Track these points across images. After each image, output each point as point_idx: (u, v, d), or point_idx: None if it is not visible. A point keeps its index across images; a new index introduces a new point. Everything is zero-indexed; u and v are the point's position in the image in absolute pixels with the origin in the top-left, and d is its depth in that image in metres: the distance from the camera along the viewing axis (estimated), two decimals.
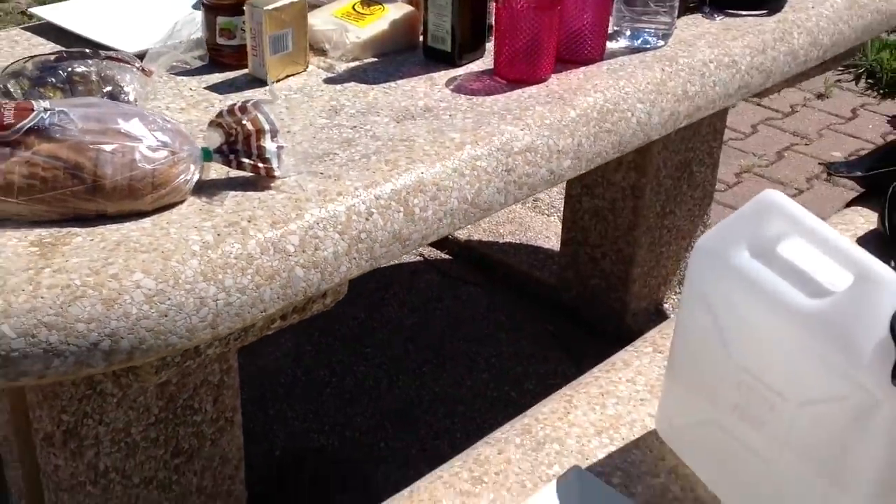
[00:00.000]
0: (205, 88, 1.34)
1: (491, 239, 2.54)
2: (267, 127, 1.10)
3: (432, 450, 1.96)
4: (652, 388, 1.38)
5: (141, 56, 1.27)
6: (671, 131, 1.49)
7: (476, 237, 2.54)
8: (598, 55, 1.49)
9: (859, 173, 1.91)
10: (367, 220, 1.12)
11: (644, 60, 1.50)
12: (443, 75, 1.43)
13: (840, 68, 3.81)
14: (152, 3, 1.57)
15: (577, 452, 1.26)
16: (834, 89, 3.69)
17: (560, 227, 2.56)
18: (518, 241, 2.55)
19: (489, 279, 2.44)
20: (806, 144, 3.29)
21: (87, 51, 1.20)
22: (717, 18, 1.66)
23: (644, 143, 1.46)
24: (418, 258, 2.52)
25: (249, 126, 1.09)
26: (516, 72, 1.41)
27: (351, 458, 1.93)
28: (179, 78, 1.35)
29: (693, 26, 1.62)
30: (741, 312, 1.12)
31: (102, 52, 1.21)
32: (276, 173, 1.12)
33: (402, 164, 1.19)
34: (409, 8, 1.51)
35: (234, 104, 1.11)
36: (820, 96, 3.64)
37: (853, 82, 3.74)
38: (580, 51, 1.47)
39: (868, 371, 0.98)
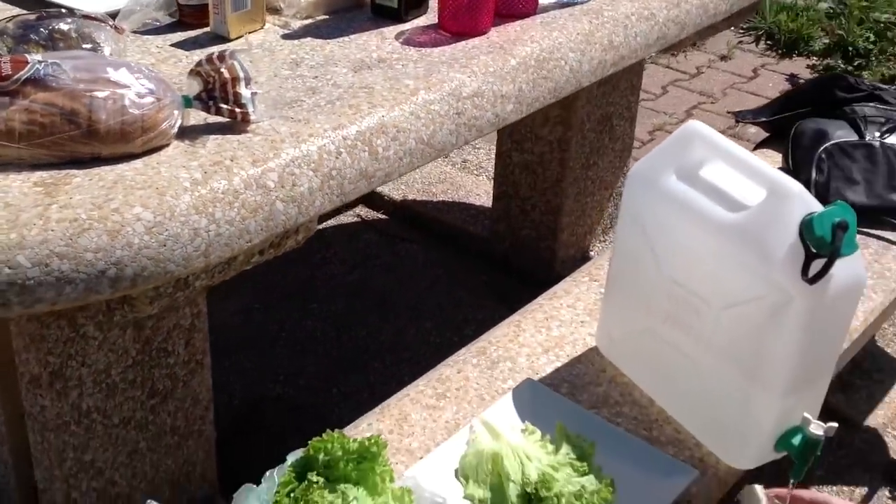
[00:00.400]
0: (170, 45, 1.42)
1: (424, 198, 2.66)
2: (242, 74, 1.20)
3: (382, 393, 2.08)
4: (590, 311, 1.52)
5: (113, 16, 1.35)
6: (599, 78, 1.63)
7: (410, 197, 2.66)
8: (531, 9, 1.62)
9: (764, 119, 2.10)
10: (336, 158, 1.23)
11: (573, 14, 1.63)
12: (391, 30, 1.54)
13: (741, 30, 4.04)
14: None
15: (527, 369, 1.40)
16: (736, 51, 3.90)
17: (489, 185, 2.70)
18: (450, 199, 2.67)
19: (425, 236, 2.57)
20: (712, 103, 3.49)
21: (64, 10, 1.27)
22: None
23: (576, 90, 1.59)
24: (356, 219, 2.63)
25: (226, 74, 1.19)
26: (459, 25, 1.53)
27: (306, 404, 2.03)
28: (146, 37, 1.43)
29: None
30: (670, 230, 1.27)
31: (78, 11, 1.29)
32: (252, 118, 1.22)
33: (364, 108, 1.30)
34: None
35: (212, 53, 1.20)
36: (723, 58, 3.85)
37: (753, 44, 3.96)
38: (515, 6, 1.60)
39: (781, 271, 1.14)
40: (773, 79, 3.68)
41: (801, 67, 3.78)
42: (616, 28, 1.64)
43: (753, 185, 1.21)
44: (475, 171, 2.87)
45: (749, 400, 1.23)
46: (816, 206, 1.14)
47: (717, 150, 1.25)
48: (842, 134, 1.89)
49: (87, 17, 1.28)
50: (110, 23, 1.31)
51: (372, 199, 2.65)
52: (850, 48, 3.80)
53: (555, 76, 1.52)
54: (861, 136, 1.89)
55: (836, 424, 1.20)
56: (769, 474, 1.28)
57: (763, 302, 1.17)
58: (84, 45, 1.23)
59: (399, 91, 1.35)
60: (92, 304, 1.20)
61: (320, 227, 2.53)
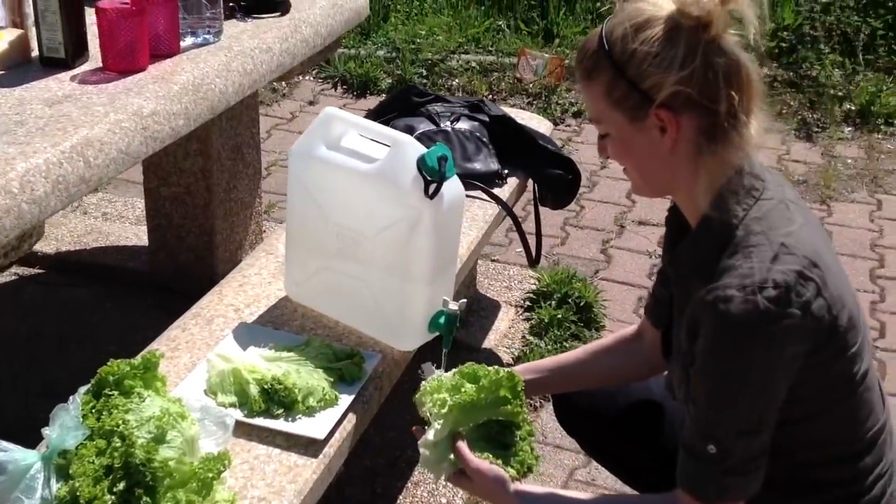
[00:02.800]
0: None
1: (78, 248, 2.88)
2: None
3: None
4: (274, 274, 1.93)
5: None
6: (241, 98, 2.05)
7: (64, 249, 2.86)
8: (176, 50, 1.99)
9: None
10: (60, 167, 1.52)
11: (210, 51, 2.04)
12: (64, 75, 1.83)
13: (320, 80, 4.65)
14: None
15: (237, 319, 1.77)
16: (320, 97, 4.50)
17: (134, 229, 2.99)
18: (103, 245, 2.91)
19: (88, 280, 2.78)
20: None
21: None
22: (249, 21, 2.25)
23: (226, 108, 1.99)
24: (14, 277, 2.77)
25: None
26: (122, 65, 1.86)
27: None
28: None
29: (234, 26, 2.19)
30: (328, 187, 1.72)
31: None
32: None
33: (70, 129, 1.60)
34: (19, 31, 1.88)
35: None
36: (311, 103, 4.43)
37: (333, 89, 4.59)
38: (163, 47, 1.96)
39: (411, 196, 1.63)
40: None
41: (375, 103, 4.45)
42: (245, 59, 2.06)
43: (381, 146, 1.69)
44: (118, 220, 3.12)
45: (405, 295, 1.70)
46: (424, 149, 1.65)
47: (351, 125, 1.73)
48: (424, 126, 2.47)
49: None
50: None
51: (28, 259, 2.80)
52: (409, 82, 4.56)
53: (209, 97, 1.91)
54: (437, 125, 2.48)
55: (465, 300, 1.72)
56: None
57: (402, 221, 1.66)
58: None
59: (94, 115, 1.67)
60: None
61: None
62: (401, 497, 2.14)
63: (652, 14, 1.27)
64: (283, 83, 4.51)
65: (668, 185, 1.40)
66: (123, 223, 3.10)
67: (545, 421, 2.43)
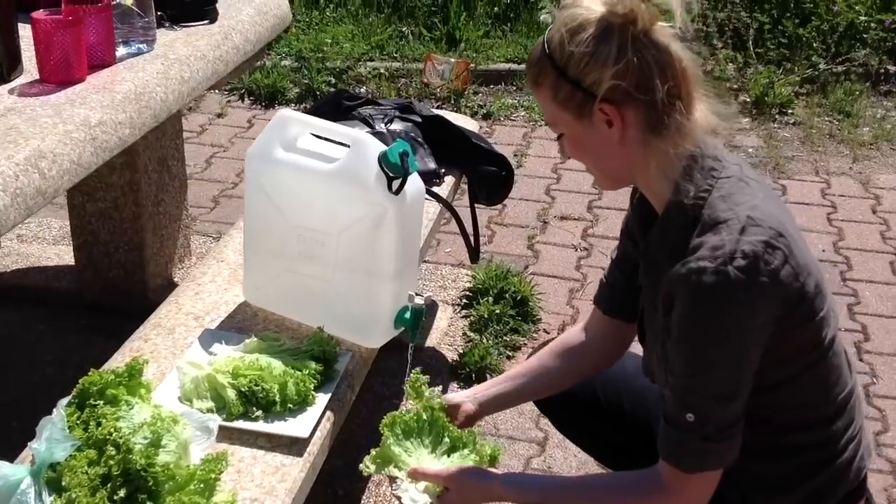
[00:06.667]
0: None
1: None
2: None
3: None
4: (229, 280, 1.91)
5: None
6: (182, 105, 2.02)
7: None
8: (112, 60, 1.95)
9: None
10: (16, 180, 1.48)
11: (146, 59, 2.00)
12: (2, 89, 1.78)
13: (225, 91, 4.59)
14: None
15: (199, 327, 1.75)
16: (228, 108, 4.45)
17: (54, 249, 2.90)
18: (24, 267, 2.82)
19: (13, 303, 2.69)
20: (224, 150, 3.99)
21: None
22: (178, 29, 2.22)
23: (169, 115, 1.96)
24: None
25: None
26: (60, 76, 1.82)
27: None
28: None
29: (164, 35, 2.15)
30: (287, 189, 1.72)
31: None
32: None
33: (21, 142, 1.56)
34: None
35: None
36: (219, 115, 4.37)
37: (240, 101, 4.54)
38: (98, 57, 1.92)
39: (375, 192, 1.64)
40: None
41: None
42: (182, 67, 2.03)
43: (338, 146, 1.70)
44: (35, 241, 3.02)
45: (371, 292, 1.71)
46: (384, 147, 1.66)
47: (306, 125, 1.73)
48: (359, 129, 2.48)
49: None
50: None
51: None
52: (318, 91, 4.55)
53: (152, 105, 1.88)
54: (372, 127, 2.49)
55: (431, 294, 1.74)
56: None
57: (367, 219, 1.67)
58: None
59: (42, 126, 1.62)
60: None
61: None
62: (364, 497, 2.15)
63: (584, 17, 1.34)
64: None
65: (625, 176, 1.45)
66: (42, 244, 3.00)
67: (496, 414, 2.46)
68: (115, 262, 2.64)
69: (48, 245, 2.99)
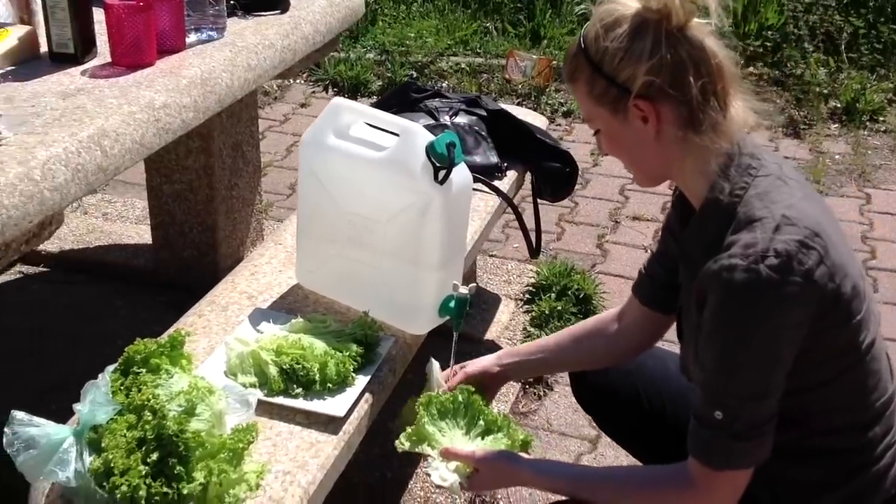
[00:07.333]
0: None
1: (82, 247, 2.90)
2: None
3: None
4: (284, 263, 1.96)
5: None
6: (247, 92, 2.09)
7: (67, 248, 2.88)
8: (182, 46, 2.03)
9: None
10: (78, 156, 1.56)
11: (215, 46, 2.07)
12: (74, 70, 1.86)
13: (311, 82, 4.69)
14: None
15: (251, 306, 1.81)
16: (312, 99, 4.54)
17: (135, 228, 3.02)
18: (106, 244, 2.94)
19: (94, 278, 2.81)
20: None
21: None
22: (249, 18, 2.29)
23: (234, 102, 2.03)
24: (19, 275, 2.79)
25: None
26: (130, 60, 1.90)
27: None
28: None
29: (236, 24, 2.22)
30: (338, 175, 1.76)
31: None
32: (2, 134, 1.50)
33: (86, 120, 1.64)
34: (27, 27, 1.91)
35: None
36: (303, 105, 4.47)
37: (324, 92, 4.63)
38: (169, 43, 2.00)
39: (422, 182, 1.67)
40: None
41: (366, 104, 4.50)
42: (250, 55, 2.10)
43: (387, 133, 1.73)
44: (119, 220, 3.15)
45: (416, 280, 1.74)
46: (432, 137, 1.69)
47: (359, 113, 1.77)
48: (424, 121, 2.51)
49: None
50: None
51: (29, 257, 2.83)
52: (400, 84, 4.61)
53: (217, 90, 1.95)
54: (437, 120, 2.52)
55: (475, 284, 1.76)
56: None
57: (413, 207, 1.69)
58: None
59: (107, 107, 1.70)
60: None
61: None
62: (411, 482, 2.18)
63: (620, 13, 1.34)
64: (276, 86, 4.55)
65: (663, 172, 1.45)
66: (124, 223, 3.13)
67: (549, 409, 2.47)
68: (189, 242, 2.74)
69: (130, 224, 3.12)
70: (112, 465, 1.21)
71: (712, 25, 1.32)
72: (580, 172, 3.74)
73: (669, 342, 1.68)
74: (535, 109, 4.36)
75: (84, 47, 1.91)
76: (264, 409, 1.52)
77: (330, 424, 1.52)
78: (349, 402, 1.56)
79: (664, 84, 1.31)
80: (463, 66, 4.77)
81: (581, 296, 2.86)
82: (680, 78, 1.31)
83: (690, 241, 1.43)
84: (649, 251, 3.25)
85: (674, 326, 1.60)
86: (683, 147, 1.36)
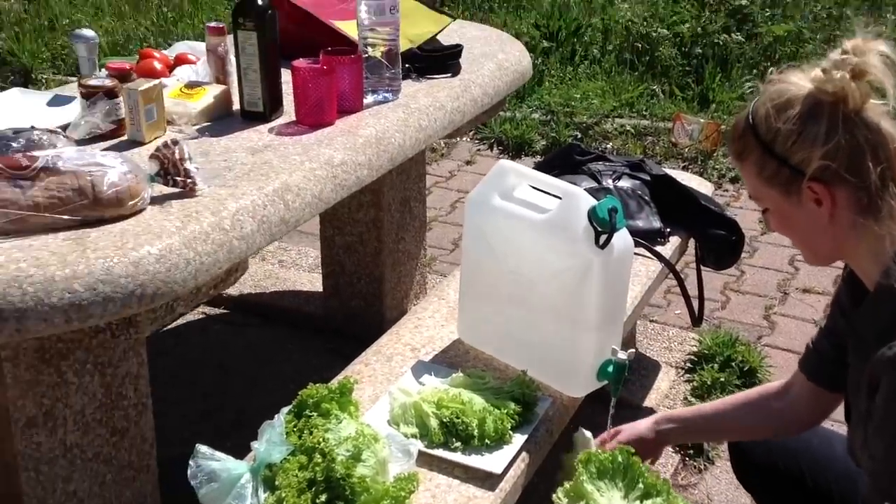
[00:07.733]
0: (102, 150, 1.81)
1: (258, 291, 3.07)
2: (188, 155, 1.63)
3: None
4: (446, 318, 2.02)
5: (64, 127, 1.73)
6: (417, 152, 2.18)
7: (246, 291, 3.05)
8: (359, 107, 2.15)
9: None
10: (264, 209, 1.67)
11: (390, 107, 2.18)
12: (262, 127, 2.01)
13: (476, 140, 4.80)
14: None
15: (413, 358, 1.87)
16: (477, 156, 4.65)
17: (308, 276, 3.16)
18: (281, 289, 3.10)
19: (267, 322, 2.96)
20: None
21: (31, 127, 1.64)
22: (422, 81, 2.40)
23: (404, 160, 2.13)
24: (201, 316, 2.98)
25: (177, 155, 1.61)
26: (313, 119, 2.03)
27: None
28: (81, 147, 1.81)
29: (410, 86, 2.34)
30: (502, 234, 1.81)
31: (40, 126, 1.66)
32: (198, 186, 1.64)
33: (272, 175, 1.76)
34: (222, 86, 2.08)
35: (165, 141, 1.62)
36: (468, 162, 4.58)
37: (489, 150, 4.73)
38: (348, 104, 2.12)
39: (582, 244, 1.69)
40: None
41: (529, 164, 4.56)
42: (421, 116, 2.20)
43: (551, 197, 1.78)
44: (293, 267, 3.31)
45: (574, 342, 1.76)
46: (594, 201, 1.71)
47: (524, 176, 1.82)
48: (586, 184, 2.54)
49: (48, 130, 1.65)
50: (63, 133, 1.69)
51: (214, 299, 3.01)
52: (564, 144, 4.65)
53: (390, 150, 2.05)
54: (599, 183, 2.55)
55: (634, 350, 1.76)
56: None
57: (573, 269, 1.72)
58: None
59: (291, 163, 1.82)
60: (74, 353, 1.55)
61: (173, 325, 2.86)
62: None
63: (793, 94, 1.32)
64: (443, 144, 4.68)
65: (834, 254, 1.42)
66: (298, 270, 3.29)
67: (710, 484, 2.41)
68: (357, 292, 2.85)
69: (303, 272, 3.27)
70: (285, 503, 1.28)
71: (889, 107, 1.30)
72: (747, 240, 3.68)
73: (836, 422, 1.62)
74: (701, 174, 4.31)
75: (272, 106, 2.05)
76: (424, 460, 1.57)
77: (487, 480, 1.55)
78: (507, 459, 1.58)
79: (840, 168, 1.29)
80: (628, 128, 4.77)
81: (745, 368, 2.79)
82: (857, 163, 1.28)
83: (862, 323, 1.40)
84: (818, 325, 3.13)
85: (841, 407, 1.55)
86: (858, 232, 1.33)
